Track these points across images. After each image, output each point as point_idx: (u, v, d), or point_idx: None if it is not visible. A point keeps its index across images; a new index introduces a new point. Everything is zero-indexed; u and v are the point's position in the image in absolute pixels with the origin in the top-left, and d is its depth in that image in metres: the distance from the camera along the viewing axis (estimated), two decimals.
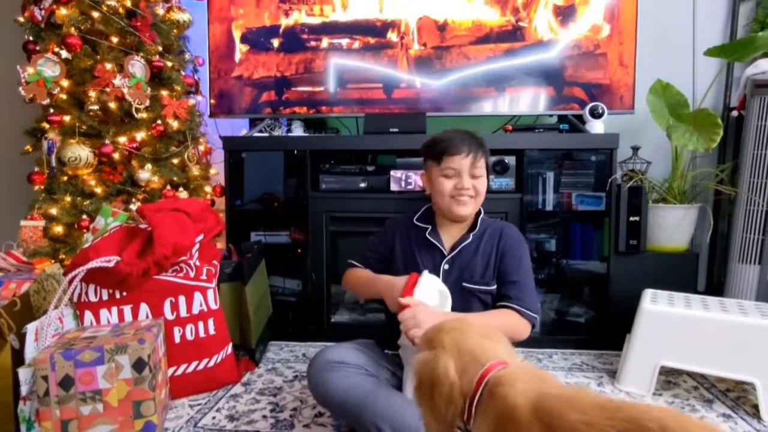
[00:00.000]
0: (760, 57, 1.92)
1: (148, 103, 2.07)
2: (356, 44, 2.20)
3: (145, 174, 2.03)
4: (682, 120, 1.94)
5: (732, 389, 1.60)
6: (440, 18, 2.15)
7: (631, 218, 1.94)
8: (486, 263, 1.39)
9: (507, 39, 2.13)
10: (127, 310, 1.47)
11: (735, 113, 2.03)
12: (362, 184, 2.11)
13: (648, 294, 1.69)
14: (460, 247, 1.40)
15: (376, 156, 2.33)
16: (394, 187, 2.05)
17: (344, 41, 2.21)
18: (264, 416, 1.43)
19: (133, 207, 1.98)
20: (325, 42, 2.22)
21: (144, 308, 1.49)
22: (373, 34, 2.19)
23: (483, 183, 1.41)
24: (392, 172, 2.05)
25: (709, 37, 2.26)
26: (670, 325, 1.54)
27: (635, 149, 2.12)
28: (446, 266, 1.39)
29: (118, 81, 1.97)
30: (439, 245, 1.42)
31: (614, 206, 1.93)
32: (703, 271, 2.29)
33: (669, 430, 0.52)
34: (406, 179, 2.04)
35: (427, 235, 1.44)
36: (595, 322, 2.03)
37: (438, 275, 1.37)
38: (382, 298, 1.33)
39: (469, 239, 1.41)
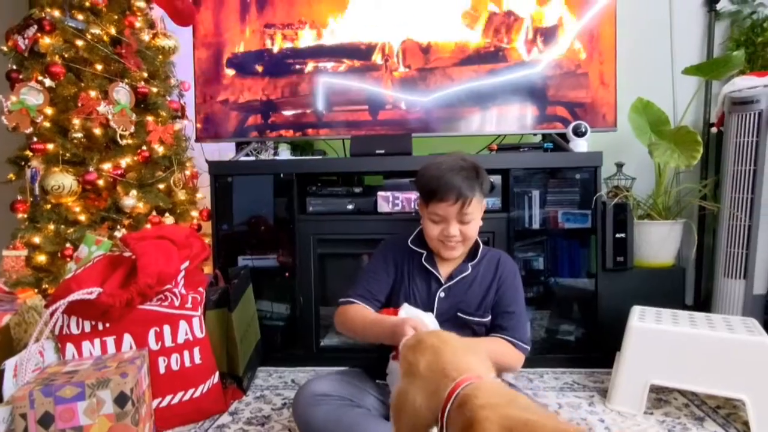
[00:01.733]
0: (735, 75, 1.96)
1: (133, 129, 2.06)
2: (342, 67, 2.22)
3: (130, 200, 2.02)
4: (663, 137, 1.97)
5: (722, 406, 1.60)
6: (424, 40, 2.18)
7: (618, 235, 1.95)
8: (484, 295, 1.37)
9: (490, 60, 2.16)
10: (110, 341, 1.45)
11: (714, 130, 2.06)
12: (349, 206, 2.10)
13: (636, 311, 1.69)
14: (458, 278, 1.38)
15: (363, 178, 2.34)
16: (381, 208, 2.05)
17: (329, 64, 2.23)
18: None
19: (117, 234, 1.96)
20: (310, 65, 2.24)
21: (128, 339, 1.46)
22: (358, 57, 2.22)
23: (473, 227, 1.34)
24: (379, 194, 2.05)
25: (687, 55, 2.32)
26: (659, 343, 1.55)
27: (619, 166, 2.14)
28: (442, 294, 1.38)
29: (102, 108, 1.97)
30: (435, 272, 1.40)
31: (600, 223, 1.95)
32: (691, 286, 2.30)
33: None
34: (393, 200, 2.04)
35: (423, 261, 1.41)
36: (584, 340, 2.02)
37: (433, 303, 1.36)
38: (393, 341, 1.16)
39: (468, 270, 1.38)
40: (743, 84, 1.87)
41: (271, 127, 2.28)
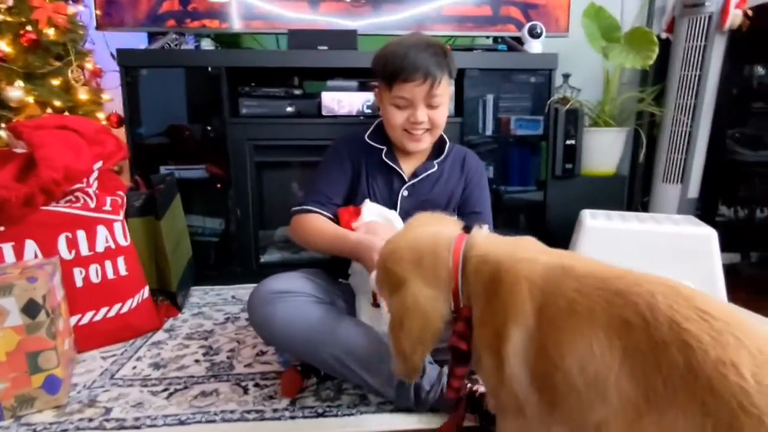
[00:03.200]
0: None
1: (11, 2, 1.64)
2: None
3: (16, 92, 1.63)
4: (617, 41, 1.93)
5: None
6: None
7: (568, 142, 1.93)
8: (450, 195, 1.26)
9: None
10: (6, 248, 1.17)
11: (663, 35, 2.07)
12: (289, 108, 1.88)
13: (587, 213, 1.70)
14: (422, 176, 1.24)
15: (303, 79, 2.10)
16: (325, 111, 1.85)
17: None
18: (197, 360, 1.24)
19: (1, 133, 1.59)
20: None
21: (31, 246, 1.19)
22: None
23: (442, 113, 1.19)
24: (323, 94, 1.84)
25: None
26: (610, 240, 1.56)
27: (566, 76, 2.11)
28: (405, 192, 1.24)
29: None
30: (398, 168, 1.25)
31: (552, 130, 1.91)
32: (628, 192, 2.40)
33: (656, 310, 0.49)
34: (338, 103, 1.85)
35: (383, 156, 1.25)
36: None
37: (396, 202, 1.23)
38: (357, 260, 1.08)
39: (434, 168, 1.25)
40: None
41: (191, 15, 1.93)
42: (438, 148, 1.29)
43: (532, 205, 2.03)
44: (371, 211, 1.17)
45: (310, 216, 1.19)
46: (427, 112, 1.17)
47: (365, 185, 1.24)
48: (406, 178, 1.25)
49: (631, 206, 2.38)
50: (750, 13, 1.80)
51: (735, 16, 1.78)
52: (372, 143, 1.27)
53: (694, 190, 1.97)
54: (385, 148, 1.26)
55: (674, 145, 1.94)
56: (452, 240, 0.69)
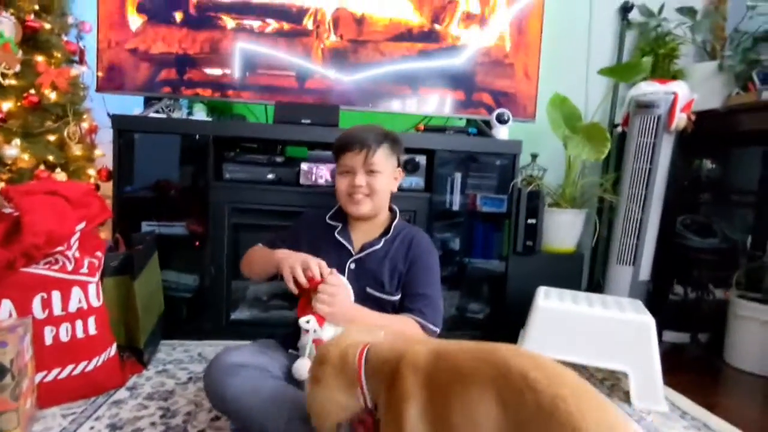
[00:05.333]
0: (641, 80, 2.14)
1: (18, 68, 1.78)
2: (269, 28, 2.09)
3: (12, 150, 1.75)
4: (577, 132, 2.11)
5: (608, 378, 1.77)
6: (358, 11, 2.12)
7: (529, 220, 2.06)
8: (392, 273, 1.35)
9: (423, 39, 2.16)
10: None
11: (619, 129, 2.24)
12: (270, 176, 2.01)
13: (541, 291, 1.81)
14: (368, 251, 1.36)
15: (285, 147, 2.24)
16: (303, 180, 1.98)
17: (256, 23, 2.09)
18: (152, 423, 1.30)
19: None
20: (235, 22, 2.08)
21: (7, 305, 1.27)
22: (287, 19, 2.10)
23: (381, 180, 1.36)
24: (302, 165, 1.98)
25: (600, 57, 2.48)
26: (559, 320, 1.66)
27: (534, 156, 2.26)
28: (352, 265, 1.35)
29: None
30: (347, 244, 1.38)
31: (515, 208, 2.05)
32: (586, 271, 2.52)
33: (510, 367, 0.66)
34: (316, 173, 1.98)
35: (336, 233, 1.40)
36: (493, 318, 2.13)
37: (343, 275, 1.33)
38: (279, 270, 1.24)
39: (380, 244, 1.37)
40: (647, 89, 2.04)
41: (186, 83, 2.09)
42: (387, 227, 1.41)
43: (494, 277, 2.14)
44: (339, 280, 1.26)
45: (255, 247, 1.42)
46: (366, 179, 1.35)
47: (320, 256, 1.34)
48: (353, 253, 1.37)
49: (591, 283, 2.50)
50: (693, 118, 1.99)
51: (680, 119, 1.96)
52: (330, 222, 1.44)
53: (645, 273, 2.09)
54: (339, 226, 1.41)
55: (627, 230, 2.07)
56: (357, 350, 0.82)
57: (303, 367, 1.15)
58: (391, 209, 1.48)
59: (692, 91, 2.04)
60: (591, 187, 2.32)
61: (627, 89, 2.27)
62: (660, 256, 2.15)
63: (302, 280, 1.18)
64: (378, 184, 1.36)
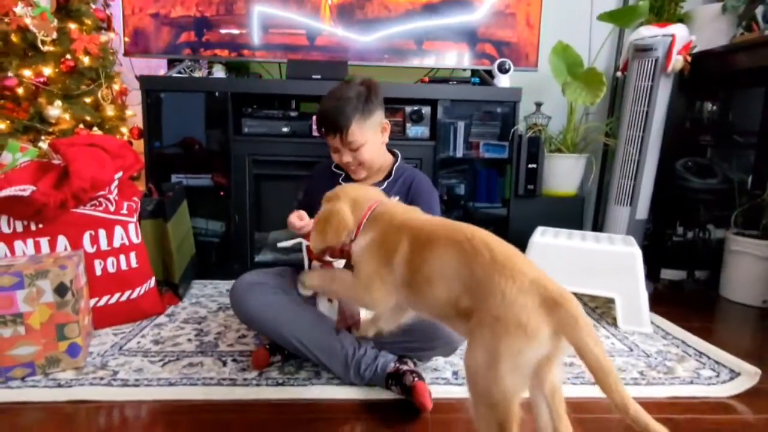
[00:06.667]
0: (641, 24, 2.17)
1: (55, 35, 1.96)
2: None
3: (55, 111, 1.96)
4: (576, 78, 2.17)
5: (600, 306, 1.91)
6: None
7: (530, 165, 2.17)
8: None
9: None
10: (43, 242, 1.47)
11: (620, 74, 2.29)
12: (285, 129, 2.16)
13: (538, 230, 1.93)
14: None
15: (299, 102, 2.38)
16: (315, 132, 2.12)
17: None
18: (189, 339, 1.52)
19: (43, 145, 1.91)
20: None
21: (62, 241, 1.49)
22: None
23: (365, 150, 1.40)
24: (315, 118, 2.11)
25: (606, 3, 2.50)
26: (553, 254, 1.79)
27: (538, 105, 2.34)
28: None
29: (19, 9, 1.86)
30: None
31: (515, 154, 2.16)
32: (590, 214, 2.62)
33: (474, 235, 0.86)
34: None
35: (340, 181, 1.51)
36: None
37: None
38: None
39: (383, 187, 1.48)
40: (646, 33, 2.08)
41: (205, 45, 2.24)
42: (390, 171, 1.54)
43: (497, 220, 2.27)
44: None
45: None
46: (351, 154, 1.41)
47: None
48: None
49: (596, 225, 2.60)
50: (689, 59, 2.03)
51: (677, 61, 2.00)
52: (336, 171, 1.54)
53: (642, 213, 2.18)
54: (343, 174, 1.52)
55: (624, 172, 2.16)
56: (370, 200, 1.02)
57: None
58: (393, 153, 1.59)
59: (698, 33, 2.06)
60: (593, 132, 2.40)
61: (629, 34, 2.30)
62: (660, 197, 2.23)
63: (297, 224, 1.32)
64: (366, 156, 1.41)
